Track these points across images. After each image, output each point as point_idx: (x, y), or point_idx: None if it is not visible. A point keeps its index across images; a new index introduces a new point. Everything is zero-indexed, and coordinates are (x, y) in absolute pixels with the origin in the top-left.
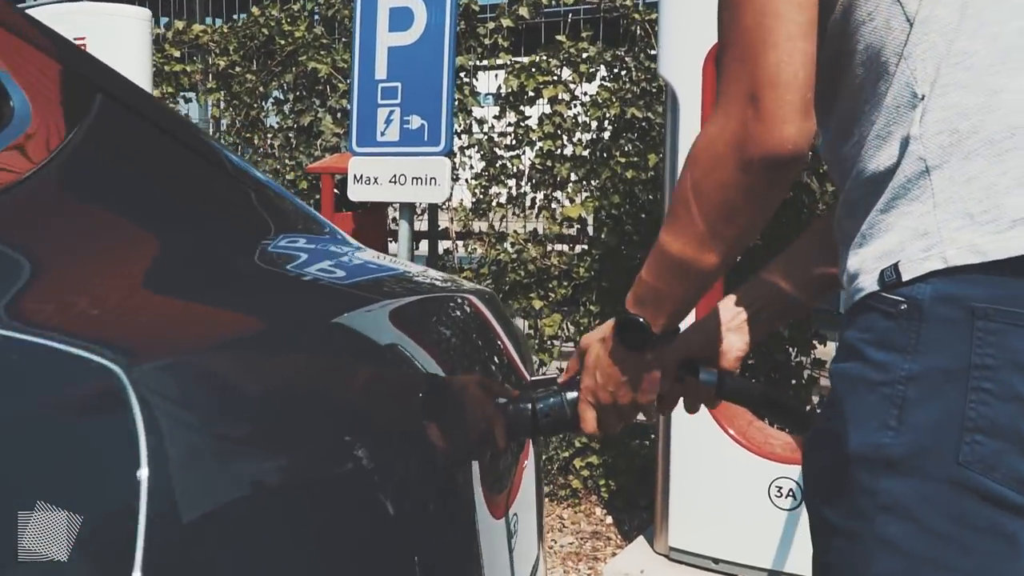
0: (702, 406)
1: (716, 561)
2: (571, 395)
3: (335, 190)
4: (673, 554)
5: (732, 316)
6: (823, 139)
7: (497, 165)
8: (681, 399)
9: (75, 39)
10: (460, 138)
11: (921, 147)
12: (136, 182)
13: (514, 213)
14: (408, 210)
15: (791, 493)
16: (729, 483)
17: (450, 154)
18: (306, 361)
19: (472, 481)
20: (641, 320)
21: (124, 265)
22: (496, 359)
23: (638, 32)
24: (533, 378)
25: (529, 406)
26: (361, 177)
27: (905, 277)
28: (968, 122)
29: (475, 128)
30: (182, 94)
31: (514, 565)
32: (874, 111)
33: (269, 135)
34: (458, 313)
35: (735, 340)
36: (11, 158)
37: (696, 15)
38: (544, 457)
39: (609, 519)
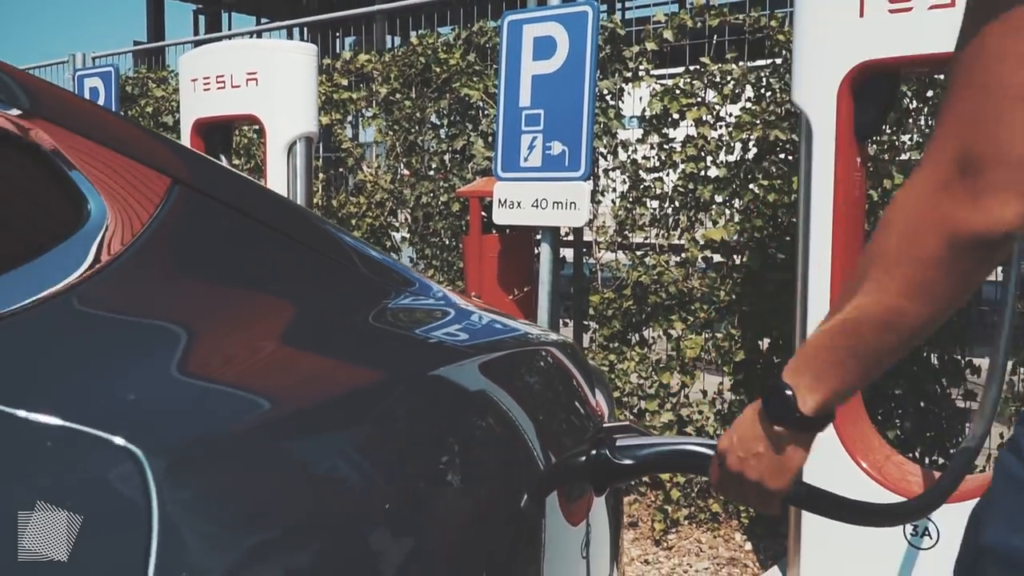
0: None
1: None
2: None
3: (482, 214)
4: None
5: None
6: None
7: (641, 187)
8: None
9: (247, 73)
10: (606, 159)
11: None
12: (209, 263)
13: (657, 234)
14: (551, 233)
15: (927, 532)
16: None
17: (591, 177)
18: (408, 410)
19: (544, 503)
20: (788, 393)
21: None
22: (576, 404)
23: (783, 53)
24: (607, 424)
25: (605, 451)
26: (505, 201)
27: None
28: None
29: (620, 150)
30: (348, 120)
31: (590, 570)
32: None
33: (426, 158)
34: (542, 364)
35: None
36: (89, 255)
37: (831, 42)
38: (684, 479)
39: (748, 545)
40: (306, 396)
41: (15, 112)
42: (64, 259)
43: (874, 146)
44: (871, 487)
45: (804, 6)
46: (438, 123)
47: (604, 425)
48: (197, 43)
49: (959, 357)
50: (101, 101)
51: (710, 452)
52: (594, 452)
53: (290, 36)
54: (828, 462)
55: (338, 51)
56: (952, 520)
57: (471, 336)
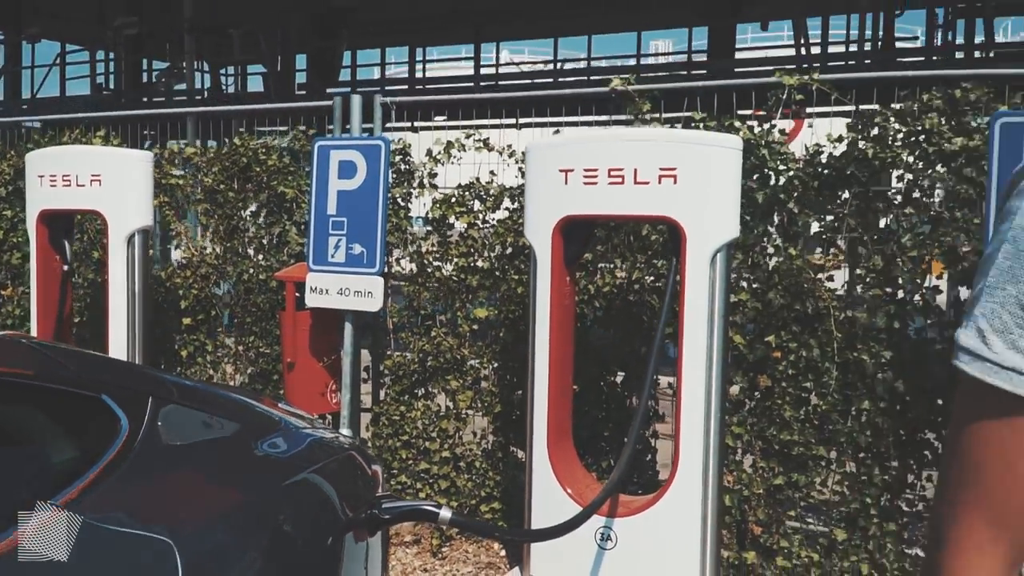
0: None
1: None
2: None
3: (296, 294)
4: None
5: None
6: None
7: (426, 274)
8: None
9: (92, 175)
10: (399, 249)
11: None
12: (176, 437)
13: (436, 311)
14: (352, 314)
15: (609, 537)
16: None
17: (384, 272)
18: (275, 505)
19: (343, 539)
20: None
21: (183, 485)
22: (364, 482)
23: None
24: (378, 493)
25: (375, 511)
26: (316, 288)
27: None
28: None
29: (409, 244)
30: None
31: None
32: None
33: (246, 240)
34: (349, 461)
35: None
36: (119, 455)
37: (547, 200)
38: (459, 504)
39: (503, 553)
40: (222, 507)
41: None
42: (114, 452)
43: (589, 254)
44: (575, 507)
45: (531, 173)
46: (256, 211)
47: (377, 494)
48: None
49: (653, 403)
50: None
51: (433, 508)
52: (368, 511)
53: (93, 67)
54: (544, 491)
55: (150, 80)
56: (627, 529)
57: (309, 452)
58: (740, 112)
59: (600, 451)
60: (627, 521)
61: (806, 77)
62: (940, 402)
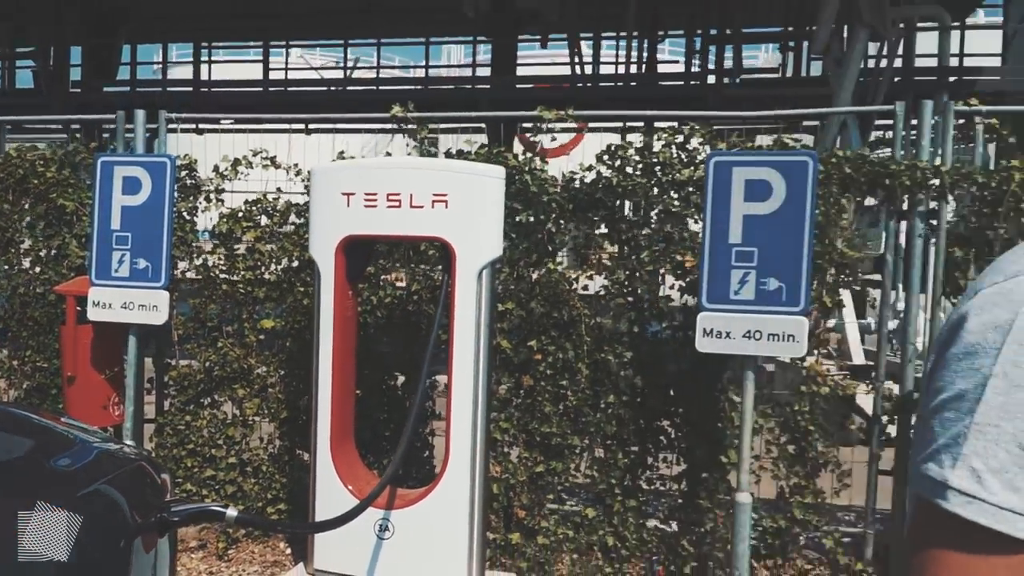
0: None
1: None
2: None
3: (77, 307)
4: (317, 573)
5: None
6: None
7: (212, 287)
8: None
9: None
10: (184, 262)
11: None
12: None
13: (222, 322)
14: (137, 327)
15: (387, 528)
16: (351, 523)
17: (170, 286)
18: (78, 511)
19: (134, 541)
20: None
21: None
22: (153, 489)
23: None
24: (168, 499)
25: (164, 514)
26: (99, 302)
27: None
28: None
29: (195, 257)
30: None
31: None
32: None
33: (22, 255)
34: (139, 471)
35: None
36: None
37: (330, 220)
38: (246, 507)
39: (289, 551)
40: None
41: None
42: None
43: (373, 267)
44: (355, 502)
45: (315, 194)
46: (33, 223)
47: (166, 499)
48: None
49: (431, 403)
50: None
51: (220, 508)
52: (158, 515)
53: None
54: (328, 490)
55: None
56: (403, 519)
57: (98, 464)
58: (524, 124)
59: (382, 450)
60: (403, 512)
61: (563, 112)
62: (672, 393)
